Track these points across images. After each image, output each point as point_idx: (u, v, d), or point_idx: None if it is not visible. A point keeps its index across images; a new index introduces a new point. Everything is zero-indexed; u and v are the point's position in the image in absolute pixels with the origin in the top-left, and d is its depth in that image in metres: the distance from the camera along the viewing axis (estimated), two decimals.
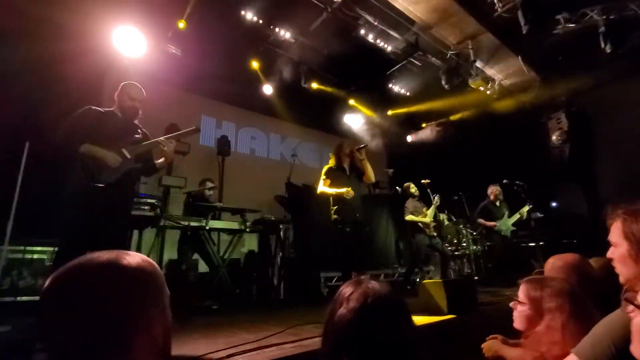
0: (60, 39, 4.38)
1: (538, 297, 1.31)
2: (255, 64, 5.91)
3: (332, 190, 3.66)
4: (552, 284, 1.31)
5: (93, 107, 2.50)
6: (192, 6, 4.91)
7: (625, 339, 0.81)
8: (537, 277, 1.39)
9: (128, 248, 3.83)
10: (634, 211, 1.05)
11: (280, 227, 4.88)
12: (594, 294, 1.38)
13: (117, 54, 5.08)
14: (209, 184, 4.91)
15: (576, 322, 1.18)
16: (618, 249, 1.08)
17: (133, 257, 0.69)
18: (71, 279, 0.64)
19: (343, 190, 3.59)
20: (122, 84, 2.64)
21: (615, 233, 1.09)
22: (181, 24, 5.04)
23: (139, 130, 2.67)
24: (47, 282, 0.65)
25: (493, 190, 5.58)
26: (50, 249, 3.80)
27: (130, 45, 4.96)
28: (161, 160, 2.74)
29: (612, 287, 1.15)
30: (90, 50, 4.83)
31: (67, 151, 2.36)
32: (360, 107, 7.51)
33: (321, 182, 3.75)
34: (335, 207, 3.68)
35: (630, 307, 0.77)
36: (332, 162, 3.88)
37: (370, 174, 3.82)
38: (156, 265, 0.72)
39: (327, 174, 3.78)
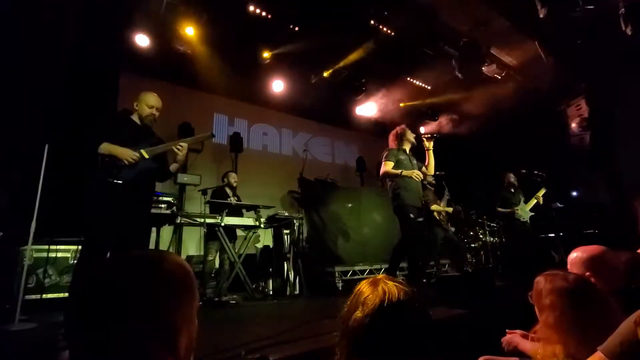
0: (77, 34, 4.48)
1: (539, 292, 1.29)
2: (265, 60, 5.89)
3: (399, 171, 3.47)
4: (551, 280, 1.27)
5: (116, 114, 2.74)
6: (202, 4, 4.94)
7: None
8: (549, 271, 1.35)
9: (147, 246, 3.93)
10: None
11: (295, 222, 4.90)
12: (618, 288, 1.33)
13: (127, 51, 5.16)
14: (233, 176, 4.95)
15: (574, 320, 1.14)
16: None
17: (175, 257, 0.72)
18: (120, 275, 0.65)
19: (413, 172, 3.44)
20: (141, 93, 2.84)
21: None
22: (190, 30, 5.07)
23: (155, 135, 2.85)
24: (83, 279, 0.66)
25: (507, 177, 5.49)
26: (74, 247, 3.93)
27: (139, 43, 5.04)
28: (174, 165, 2.85)
29: (636, 280, 1.11)
30: (104, 49, 4.92)
31: (89, 151, 2.50)
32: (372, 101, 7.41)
33: (383, 164, 3.55)
34: (396, 192, 3.50)
35: None
36: (394, 144, 3.70)
37: (432, 166, 3.69)
38: (189, 271, 0.74)
39: (390, 156, 3.60)
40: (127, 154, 2.50)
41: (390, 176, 3.54)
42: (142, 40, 5.05)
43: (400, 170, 3.48)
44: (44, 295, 3.62)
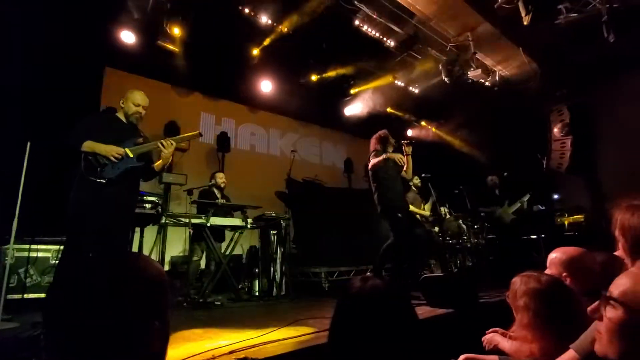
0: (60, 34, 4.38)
1: (514, 293, 1.33)
2: (254, 60, 5.86)
3: (384, 156, 3.61)
4: (526, 281, 1.32)
5: (100, 113, 2.73)
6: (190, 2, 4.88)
7: None
8: (525, 273, 1.39)
9: (130, 245, 3.86)
10: (629, 207, 1.05)
11: (282, 222, 4.89)
12: (594, 289, 1.38)
13: (116, 50, 5.07)
14: (221, 177, 4.91)
15: (547, 320, 1.19)
16: (619, 243, 1.08)
17: (155, 264, 0.76)
18: (100, 276, 0.68)
19: (397, 154, 3.59)
20: (128, 91, 2.81)
21: (616, 228, 1.09)
22: (176, 29, 5.01)
23: (141, 134, 2.81)
24: (64, 281, 0.69)
25: (491, 179, 5.64)
26: (55, 247, 3.86)
27: (126, 40, 4.95)
28: (158, 162, 2.82)
29: (611, 282, 1.15)
30: (89, 46, 4.82)
31: (71, 149, 2.46)
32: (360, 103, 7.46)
33: (372, 159, 3.67)
34: (382, 194, 3.63)
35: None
36: (378, 147, 3.82)
37: (410, 170, 3.85)
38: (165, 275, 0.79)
39: (378, 154, 3.72)
40: (111, 151, 2.47)
41: (379, 165, 3.64)
42: (127, 37, 4.96)
43: (385, 155, 3.62)
44: (26, 295, 3.55)
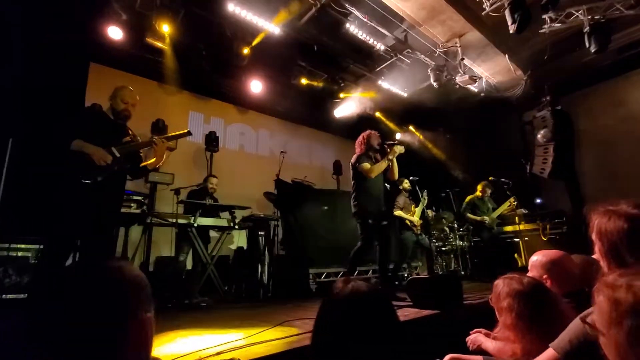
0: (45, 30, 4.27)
1: (497, 295, 1.38)
2: (244, 60, 5.83)
3: (379, 164, 3.60)
4: (508, 284, 1.37)
5: (88, 109, 2.64)
6: None
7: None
8: (508, 275, 1.44)
9: (114, 246, 3.79)
10: (605, 211, 1.09)
11: (270, 224, 4.87)
12: (573, 290, 1.43)
13: (102, 46, 4.98)
14: (213, 181, 4.86)
15: (529, 322, 1.23)
16: (595, 247, 1.13)
17: (133, 268, 0.78)
18: (76, 279, 0.70)
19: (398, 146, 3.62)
20: (116, 87, 2.73)
21: (592, 232, 1.13)
22: (165, 27, 4.94)
23: (129, 132, 2.75)
24: (39, 280, 0.71)
25: (483, 186, 5.74)
26: (35, 246, 3.75)
27: (114, 38, 4.86)
28: (151, 160, 2.78)
29: (589, 284, 1.19)
30: (75, 43, 4.72)
31: (59, 148, 2.40)
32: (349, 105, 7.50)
33: (361, 167, 3.62)
34: (356, 197, 3.61)
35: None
36: (360, 149, 3.81)
37: (396, 171, 3.83)
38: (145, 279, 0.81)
39: (362, 158, 3.70)
40: (99, 156, 2.41)
41: (374, 171, 3.60)
42: (115, 32, 4.86)
43: (380, 163, 3.63)
44: (4, 296, 3.45)
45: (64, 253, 2.26)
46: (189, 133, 3.03)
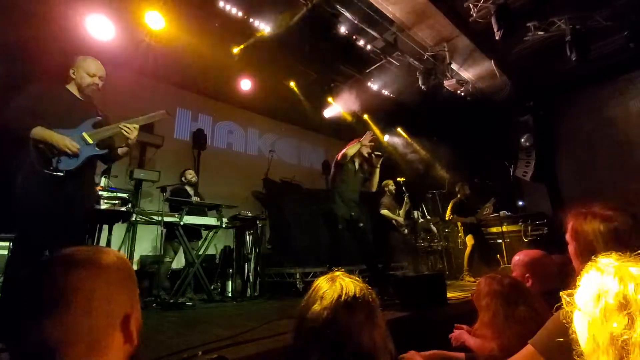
0: (28, 25, 4.14)
1: (477, 293, 1.43)
2: (234, 57, 5.79)
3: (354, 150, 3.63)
4: (489, 283, 1.42)
5: (46, 85, 2.23)
6: None
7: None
8: (490, 275, 1.50)
9: (97, 243, 3.71)
10: (581, 213, 1.14)
11: (257, 223, 4.85)
12: (551, 289, 1.48)
13: (88, 40, 4.85)
14: (190, 173, 4.79)
15: (505, 321, 1.29)
16: (570, 247, 1.18)
17: (109, 254, 0.71)
18: (50, 274, 0.64)
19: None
20: (79, 58, 2.32)
21: (568, 232, 1.19)
22: (156, 19, 4.85)
23: (98, 112, 2.39)
24: (17, 280, 0.66)
25: (461, 187, 5.86)
26: (6, 244, 3.57)
27: (101, 32, 4.75)
28: (123, 148, 2.46)
29: (566, 283, 1.25)
30: (59, 37, 4.58)
31: (16, 136, 2.05)
32: (339, 106, 7.54)
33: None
34: (330, 199, 3.65)
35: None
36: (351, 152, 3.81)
37: (375, 183, 3.86)
38: (128, 261, 0.75)
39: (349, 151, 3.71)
40: (65, 145, 2.07)
41: (349, 157, 3.65)
42: (103, 25, 4.74)
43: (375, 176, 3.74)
44: None
45: (36, 251, 2.01)
46: (166, 114, 2.61)
